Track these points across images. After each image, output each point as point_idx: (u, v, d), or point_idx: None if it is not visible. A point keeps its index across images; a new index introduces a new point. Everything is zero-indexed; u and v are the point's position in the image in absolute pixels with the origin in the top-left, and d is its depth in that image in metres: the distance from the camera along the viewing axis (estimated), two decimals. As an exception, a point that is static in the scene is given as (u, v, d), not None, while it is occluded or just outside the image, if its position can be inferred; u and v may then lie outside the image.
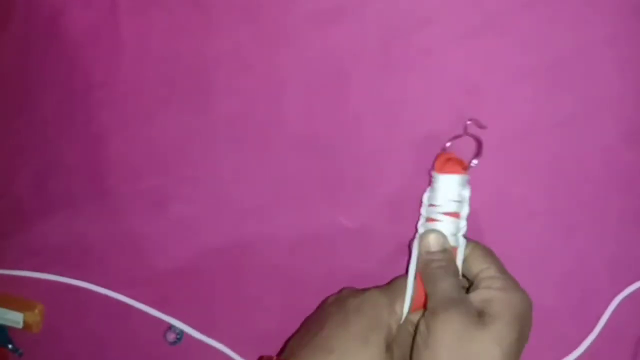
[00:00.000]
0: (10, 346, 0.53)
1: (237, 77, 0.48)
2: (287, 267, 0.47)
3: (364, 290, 0.41)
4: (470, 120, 0.42)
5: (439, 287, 0.38)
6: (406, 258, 0.42)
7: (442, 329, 0.36)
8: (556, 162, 0.44)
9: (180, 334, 0.49)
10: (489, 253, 0.40)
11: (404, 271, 0.43)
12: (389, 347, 0.38)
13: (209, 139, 0.49)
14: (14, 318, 0.52)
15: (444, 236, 0.40)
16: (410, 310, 0.40)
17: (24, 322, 0.52)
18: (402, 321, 0.40)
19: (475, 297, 0.38)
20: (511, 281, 0.38)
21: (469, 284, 0.41)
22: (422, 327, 0.37)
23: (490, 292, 0.37)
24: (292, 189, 0.47)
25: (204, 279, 0.49)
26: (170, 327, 0.49)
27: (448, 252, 0.40)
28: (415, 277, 0.40)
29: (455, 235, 0.40)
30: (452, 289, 0.38)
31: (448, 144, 0.42)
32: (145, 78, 0.50)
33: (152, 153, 0.50)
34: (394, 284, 0.41)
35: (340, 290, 0.43)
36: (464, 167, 0.41)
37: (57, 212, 0.52)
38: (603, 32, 0.43)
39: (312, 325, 0.41)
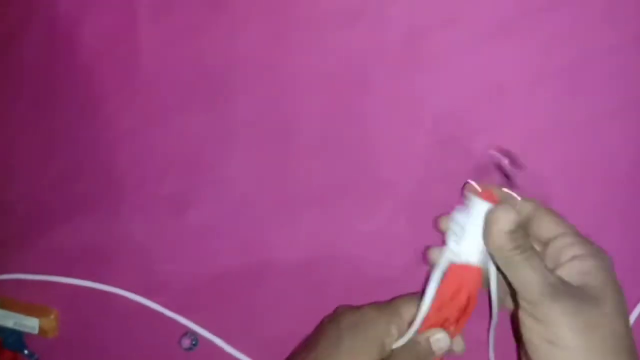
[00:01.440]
0: (25, 352, 0.53)
1: (256, 81, 0.48)
2: (305, 272, 0.47)
3: (360, 307, 0.40)
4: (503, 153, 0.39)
5: (530, 275, 0.33)
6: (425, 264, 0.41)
7: (561, 322, 0.32)
8: (578, 163, 0.43)
9: (196, 340, 0.48)
10: (559, 215, 0.37)
11: (423, 277, 0.42)
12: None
13: (228, 143, 0.49)
14: (30, 324, 0.52)
15: (514, 211, 0.34)
16: (419, 331, 0.38)
17: (40, 327, 0.52)
18: (403, 341, 0.38)
19: (569, 272, 0.34)
20: (590, 243, 0.36)
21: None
22: (529, 323, 0.34)
23: (582, 264, 0.34)
24: (311, 193, 0.47)
25: (221, 284, 0.49)
26: (186, 333, 0.49)
27: (523, 229, 0.35)
28: (433, 295, 0.38)
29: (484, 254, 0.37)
30: (544, 273, 0.33)
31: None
32: (163, 82, 0.50)
33: (171, 157, 0.50)
34: (394, 303, 0.40)
35: (336, 309, 0.42)
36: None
37: (75, 217, 0.52)
38: (626, 34, 0.42)
39: (307, 344, 0.40)
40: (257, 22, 0.47)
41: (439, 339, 0.38)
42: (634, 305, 0.41)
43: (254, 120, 0.48)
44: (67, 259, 0.52)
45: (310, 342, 0.40)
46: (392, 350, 0.39)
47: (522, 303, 0.34)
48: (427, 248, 0.40)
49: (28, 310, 0.52)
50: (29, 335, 0.52)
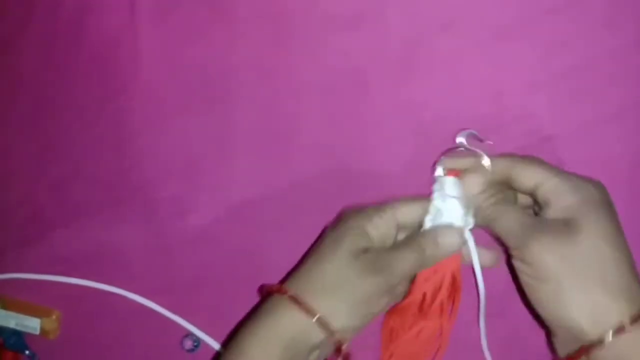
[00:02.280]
0: (27, 352, 0.53)
1: (257, 84, 0.48)
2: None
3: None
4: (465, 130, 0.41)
5: (507, 222, 0.36)
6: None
7: (546, 257, 0.34)
8: (581, 166, 0.42)
9: (197, 342, 0.49)
10: (538, 162, 0.37)
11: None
12: (365, 250, 0.38)
13: (228, 146, 0.49)
14: (31, 324, 0.52)
15: (480, 174, 0.38)
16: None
17: (41, 328, 0.52)
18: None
19: (554, 211, 0.35)
20: (577, 178, 0.36)
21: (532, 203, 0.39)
22: (520, 266, 0.35)
23: (565, 200, 0.35)
24: (311, 197, 0.47)
25: (222, 287, 0.49)
26: (188, 334, 0.49)
27: (494, 187, 0.38)
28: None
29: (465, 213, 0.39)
30: (521, 216, 0.36)
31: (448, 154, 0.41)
32: (164, 86, 0.50)
33: (172, 160, 0.50)
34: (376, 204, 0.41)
35: None
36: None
37: (77, 220, 0.52)
38: (629, 37, 0.42)
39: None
40: (256, 27, 0.47)
41: (449, 239, 0.38)
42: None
43: (253, 123, 0.48)
44: (69, 260, 0.52)
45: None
46: (396, 243, 0.39)
47: (510, 252, 0.36)
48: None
49: (29, 310, 0.52)
50: (30, 335, 0.52)
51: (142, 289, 0.50)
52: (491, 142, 0.41)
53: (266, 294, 0.39)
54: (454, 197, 0.39)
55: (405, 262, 0.38)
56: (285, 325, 0.37)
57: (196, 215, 0.49)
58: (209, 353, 0.48)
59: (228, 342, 0.40)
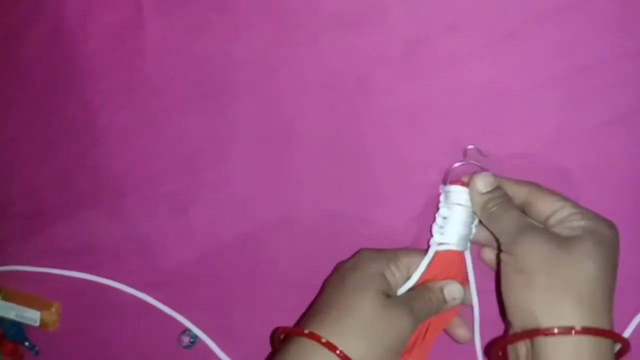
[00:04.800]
0: (26, 343, 0.53)
1: (259, 81, 0.47)
2: (305, 273, 0.47)
3: (357, 253, 0.42)
4: (471, 146, 0.42)
5: (507, 221, 0.38)
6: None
7: (530, 251, 0.35)
8: (585, 170, 0.42)
9: (194, 338, 0.48)
10: (554, 192, 0.39)
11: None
12: (387, 296, 0.39)
13: (229, 142, 0.49)
14: (31, 316, 0.52)
15: (492, 175, 0.40)
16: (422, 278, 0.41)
17: (41, 320, 0.52)
18: (408, 285, 0.40)
19: (555, 228, 0.37)
20: (592, 213, 0.37)
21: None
22: (505, 257, 0.37)
23: (572, 224, 0.36)
24: (311, 195, 0.47)
25: (220, 283, 0.49)
26: (185, 330, 0.49)
27: (501, 189, 0.39)
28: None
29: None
30: (522, 218, 0.37)
31: (455, 165, 0.42)
32: (167, 80, 0.50)
33: (173, 155, 0.50)
34: (393, 251, 0.42)
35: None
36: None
37: (78, 212, 0.52)
38: (635, 40, 0.41)
39: (316, 300, 0.42)
40: (258, 25, 0.47)
41: (453, 289, 0.40)
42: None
43: (254, 120, 0.48)
44: (70, 253, 0.52)
45: (316, 300, 0.42)
46: (402, 295, 0.40)
47: (501, 247, 0.38)
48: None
49: (30, 302, 0.52)
50: (29, 327, 0.53)
51: (141, 284, 0.50)
52: (488, 156, 0.42)
53: (285, 336, 0.40)
54: (459, 204, 0.40)
55: (425, 303, 0.39)
56: None
57: (196, 211, 0.49)
58: (205, 350, 0.48)
59: None
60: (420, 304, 0.39)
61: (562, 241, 0.35)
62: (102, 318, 0.52)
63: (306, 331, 0.37)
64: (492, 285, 0.41)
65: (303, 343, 0.38)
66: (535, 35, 0.42)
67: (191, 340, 0.48)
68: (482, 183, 0.39)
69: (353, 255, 0.42)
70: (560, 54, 0.42)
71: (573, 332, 0.33)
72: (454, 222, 0.40)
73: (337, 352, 0.36)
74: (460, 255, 0.41)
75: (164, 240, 0.50)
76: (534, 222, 0.38)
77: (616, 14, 0.41)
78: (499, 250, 0.38)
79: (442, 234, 0.41)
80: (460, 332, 0.42)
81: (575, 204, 0.38)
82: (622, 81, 0.41)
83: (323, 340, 0.36)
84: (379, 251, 0.41)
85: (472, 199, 0.40)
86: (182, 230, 0.49)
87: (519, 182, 0.40)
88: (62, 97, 0.53)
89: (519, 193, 0.39)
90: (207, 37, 0.49)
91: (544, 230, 0.37)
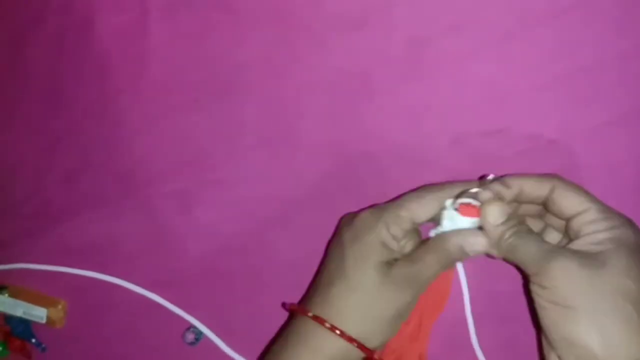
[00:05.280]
0: (33, 340, 0.54)
1: (262, 81, 0.48)
2: (308, 271, 0.47)
3: (359, 214, 0.41)
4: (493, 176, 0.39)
5: (529, 249, 0.35)
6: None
7: (562, 281, 0.33)
8: (588, 170, 0.42)
9: (199, 334, 0.49)
10: (581, 190, 0.36)
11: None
12: (389, 264, 0.38)
13: (233, 143, 0.49)
14: (38, 313, 0.53)
15: (504, 204, 0.36)
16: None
17: (48, 317, 0.52)
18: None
19: (582, 244, 0.34)
20: (614, 215, 0.35)
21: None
22: (537, 290, 0.34)
23: (596, 236, 0.34)
24: (315, 194, 0.47)
25: (225, 281, 0.49)
26: (190, 327, 0.49)
27: (513, 216, 0.36)
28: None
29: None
30: (543, 243, 0.35)
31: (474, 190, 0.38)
32: (173, 81, 0.50)
33: (179, 155, 0.50)
34: (393, 204, 0.40)
35: (340, 220, 0.43)
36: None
37: (84, 212, 0.53)
38: (635, 40, 0.41)
39: (319, 272, 0.42)
40: (263, 26, 0.47)
41: (475, 241, 0.37)
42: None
43: (259, 120, 0.48)
44: (76, 251, 0.53)
45: (320, 269, 0.42)
46: (418, 249, 0.39)
47: (530, 278, 0.35)
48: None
49: (37, 300, 0.53)
50: (37, 324, 0.53)
51: (146, 281, 0.51)
52: (492, 175, 0.39)
53: (295, 313, 0.41)
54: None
55: (432, 270, 0.38)
56: (324, 347, 0.38)
57: (201, 210, 0.50)
58: (210, 346, 0.49)
59: None
60: (429, 271, 0.38)
61: (593, 261, 0.33)
62: (108, 315, 0.52)
63: (310, 314, 0.39)
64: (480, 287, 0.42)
65: (308, 323, 0.39)
66: (536, 35, 0.42)
67: (196, 336, 0.49)
68: (496, 214, 0.36)
69: (356, 214, 0.41)
70: (562, 54, 0.42)
71: None
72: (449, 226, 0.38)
73: (338, 332, 0.37)
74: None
75: (169, 239, 0.51)
76: (550, 245, 0.35)
77: (616, 14, 0.41)
78: (526, 279, 0.36)
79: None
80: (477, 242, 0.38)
81: (601, 205, 0.35)
82: (623, 81, 0.41)
83: (327, 325, 0.38)
84: (379, 215, 0.39)
85: (486, 231, 0.36)
86: (187, 229, 0.50)
87: (541, 178, 0.37)
88: (68, 99, 0.53)
89: (540, 191, 0.37)
90: (212, 39, 0.49)
91: (570, 252, 0.34)
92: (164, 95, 0.50)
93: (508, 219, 0.36)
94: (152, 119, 0.51)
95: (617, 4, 0.41)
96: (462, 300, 0.44)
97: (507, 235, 0.36)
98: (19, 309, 0.53)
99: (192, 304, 0.50)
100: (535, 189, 0.37)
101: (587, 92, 0.42)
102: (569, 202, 0.36)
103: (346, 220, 0.42)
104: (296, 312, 0.41)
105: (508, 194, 0.37)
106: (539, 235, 0.37)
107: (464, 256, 0.38)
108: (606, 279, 0.32)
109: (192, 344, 0.49)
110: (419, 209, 0.39)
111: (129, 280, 0.51)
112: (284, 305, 0.43)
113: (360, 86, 0.46)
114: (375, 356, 0.38)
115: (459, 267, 0.43)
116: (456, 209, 0.37)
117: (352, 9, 0.45)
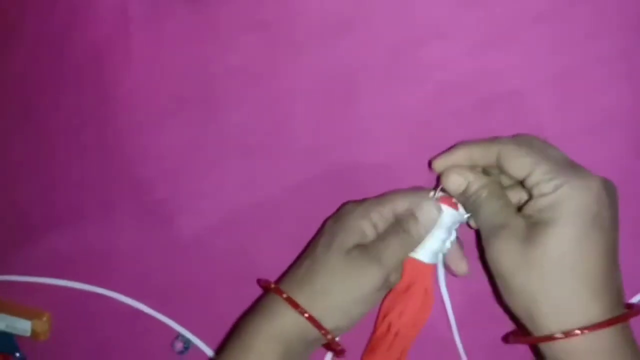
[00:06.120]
0: (17, 354, 0.53)
1: (246, 89, 0.48)
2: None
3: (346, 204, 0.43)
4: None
5: (482, 221, 0.37)
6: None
7: (497, 261, 0.35)
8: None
9: (188, 343, 0.49)
10: (528, 151, 0.36)
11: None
12: (356, 247, 0.39)
13: (218, 151, 0.49)
14: (22, 326, 0.52)
15: (462, 173, 0.38)
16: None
17: (32, 330, 0.52)
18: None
19: (528, 210, 0.35)
20: (570, 177, 0.34)
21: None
22: (485, 259, 0.37)
23: (541, 201, 0.34)
24: (300, 202, 0.47)
25: (213, 289, 0.49)
26: (178, 336, 0.49)
27: (473, 184, 0.38)
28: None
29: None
30: (496, 212, 0.36)
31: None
32: (154, 91, 0.50)
33: (161, 165, 0.50)
34: (378, 198, 0.41)
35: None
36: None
37: (68, 222, 0.52)
38: (614, 46, 0.43)
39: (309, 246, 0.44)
40: (245, 34, 0.48)
41: (427, 212, 0.39)
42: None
43: (244, 127, 0.48)
44: (60, 262, 0.52)
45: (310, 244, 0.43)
46: (379, 236, 0.40)
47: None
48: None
49: (20, 312, 0.52)
50: (20, 337, 0.53)
51: (133, 291, 0.51)
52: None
53: (265, 290, 0.42)
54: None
55: (391, 249, 0.39)
56: (285, 324, 0.39)
57: (187, 219, 0.50)
58: (199, 355, 0.49)
59: (230, 336, 0.41)
60: (392, 245, 0.39)
61: (532, 233, 0.34)
62: (94, 327, 0.52)
63: (272, 285, 0.40)
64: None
65: (274, 297, 0.40)
66: (520, 39, 0.43)
67: (185, 345, 0.49)
68: (454, 181, 0.38)
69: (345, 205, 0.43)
70: (546, 58, 0.43)
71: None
72: (428, 237, 0.40)
73: (295, 307, 0.38)
74: (428, 267, 0.41)
75: (154, 248, 0.50)
76: (501, 218, 0.36)
77: (594, 19, 0.43)
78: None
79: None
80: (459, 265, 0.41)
81: (545, 166, 0.35)
82: (603, 86, 0.43)
83: (284, 296, 0.39)
84: (361, 202, 0.41)
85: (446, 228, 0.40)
86: (173, 238, 0.50)
87: (487, 144, 0.38)
88: (48, 108, 0.53)
89: (488, 158, 0.38)
90: (194, 47, 0.49)
91: (511, 228, 0.35)
92: (146, 103, 0.50)
93: (470, 186, 0.38)
94: (135, 127, 0.50)
95: (594, 9, 0.43)
96: (443, 302, 0.44)
97: (474, 196, 0.38)
98: (2, 322, 0.52)
99: (180, 312, 0.50)
100: (483, 155, 0.38)
101: (574, 94, 0.43)
102: (513, 165, 0.36)
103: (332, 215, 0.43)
104: (263, 286, 0.42)
105: (454, 159, 0.39)
106: (499, 200, 0.37)
107: (422, 230, 0.39)
108: (542, 254, 0.33)
109: (181, 353, 0.49)
110: (401, 201, 0.40)
111: (115, 290, 0.51)
112: (258, 281, 0.44)
113: (343, 93, 0.46)
114: (329, 336, 0.38)
115: (440, 269, 0.43)
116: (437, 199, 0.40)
117: (335, 15, 0.46)
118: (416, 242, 0.40)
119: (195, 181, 0.49)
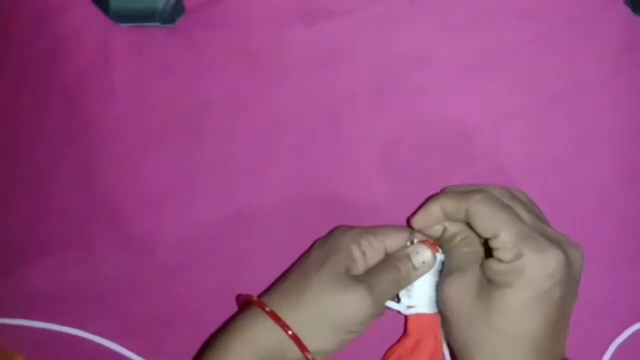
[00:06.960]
0: (-14, 400, 0.50)
1: (229, 119, 0.48)
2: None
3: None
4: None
5: (447, 260, 0.39)
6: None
7: (448, 299, 0.37)
8: (551, 200, 0.44)
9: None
10: (496, 211, 0.36)
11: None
12: (347, 272, 0.39)
13: (198, 181, 0.48)
14: (-8, 370, 0.50)
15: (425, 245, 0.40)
16: None
17: (3, 373, 0.50)
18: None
19: (488, 264, 0.36)
20: (529, 245, 0.34)
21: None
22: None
23: (500, 264, 0.35)
24: (283, 233, 0.47)
25: (195, 326, 0.48)
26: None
27: (449, 229, 0.39)
28: None
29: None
30: (457, 258, 0.38)
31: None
32: (137, 121, 0.50)
33: (143, 197, 0.49)
34: (370, 227, 0.42)
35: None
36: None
37: (44, 258, 0.50)
38: (597, 72, 0.43)
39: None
40: (227, 63, 0.48)
41: (422, 254, 0.40)
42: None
43: (223, 159, 0.48)
44: (31, 301, 0.50)
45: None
46: (375, 265, 0.40)
47: None
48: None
49: (-9, 355, 0.50)
50: (-10, 382, 0.50)
51: (111, 331, 0.49)
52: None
53: (244, 304, 0.40)
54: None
55: (385, 285, 0.39)
56: (261, 338, 0.37)
57: (164, 251, 0.48)
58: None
59: (201, 353, 0.40)
60: (384, 280, 0.39)
61: (488, 297, 0.35)
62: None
63: (255, 298, 0.39)
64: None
65: (252, 311, 0.39)
66: (501, 67, 0.44)
67: (164, 386, 0.47)
68: (420, 257, 0.40)
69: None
70: (526, 86, 0.44)
71: None
72: (420, 284, 0.40)
73: (277, 321, 0.37)
74: (434, 317, 0.41)
75: (132, 284, 0.49)
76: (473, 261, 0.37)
77: (573, 48, 0.43)
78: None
79: (409, 296, 0.41)
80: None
81: (511, 230, 0.35)
82: (586, 112, 0.43)
83: (267, 309, 0.38)
84: (354, 228, 0.41)
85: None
86: (151, 273, 0.49)
87: (459, 200, 0.37)
88: (30, 141, 0.52)
89: (459, 215, 0.38)
90: (175, 78, 0.49)
91: (471, 277, 0.36)
92: (127, 135, 0.50)
93: (446, 231, 0.39)
94: (115, 159, 0.50)
95: (574, 38, 0.43)
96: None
97: (449, 244, 0.39)
98: (-29, 367, 0.50)
99: (158, 351, 0.48)
100: (454, 211, 0.38)
101: (551, 122, 0.44)
102: (478, 226, 0.37)
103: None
104: (244, 301, 0.40)
105: (430, 218, 0.39)
106: (467, 248, 0.38)
107: (413, 273, 0.40)
108: (487, 310, 0.35)
109: (160, 394, 0.47)
110: (392, 235, 0.40)
111: (90, 330, 0.49)
112: (238, 297, 0.42)
113: (326, 122, 0.46)
114: (310, 356, 0.37)
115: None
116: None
117: (316, 46, 0.46)
118: (407, 283, 0.40)
119: (175, 213, 0.49)
